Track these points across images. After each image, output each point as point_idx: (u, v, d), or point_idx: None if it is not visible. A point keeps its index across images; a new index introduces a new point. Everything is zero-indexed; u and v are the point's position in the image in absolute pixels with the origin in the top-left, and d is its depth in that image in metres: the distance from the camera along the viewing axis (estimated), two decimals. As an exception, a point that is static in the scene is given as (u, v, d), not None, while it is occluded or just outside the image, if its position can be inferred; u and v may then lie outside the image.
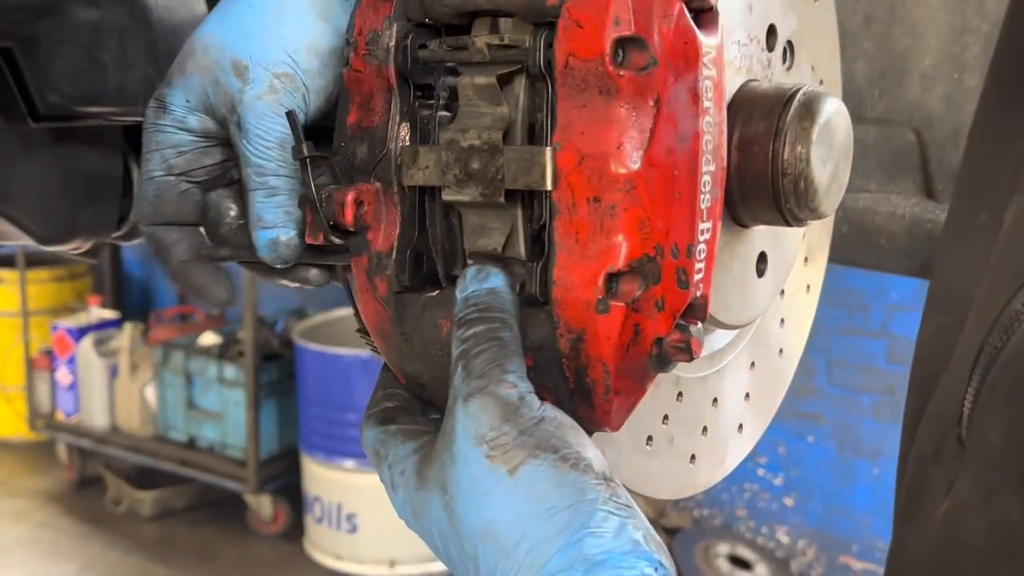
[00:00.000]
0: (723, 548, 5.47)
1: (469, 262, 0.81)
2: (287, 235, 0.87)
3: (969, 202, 0.88)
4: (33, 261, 7.18)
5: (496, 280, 0.79)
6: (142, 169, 0.90)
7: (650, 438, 0.95)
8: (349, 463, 5.54)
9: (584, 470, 0.72)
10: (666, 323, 0.78)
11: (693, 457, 1.01)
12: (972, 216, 0.85)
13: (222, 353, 6.15)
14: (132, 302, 7.97)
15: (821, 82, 1.14)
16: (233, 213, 0.92)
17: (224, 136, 0.90)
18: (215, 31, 0.87)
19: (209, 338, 6.34)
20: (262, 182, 0.86)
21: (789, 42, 1.02)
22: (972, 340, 0.75)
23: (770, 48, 0.99)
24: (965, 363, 0.75)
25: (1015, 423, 0.69)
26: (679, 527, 5.68)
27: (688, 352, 0.78)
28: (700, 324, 0.80)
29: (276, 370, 6.10)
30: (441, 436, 0.76)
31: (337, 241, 0.83)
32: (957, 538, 0.73)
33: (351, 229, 0.82)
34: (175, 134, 0.89)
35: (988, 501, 0.70)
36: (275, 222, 0.87)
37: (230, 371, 6.04)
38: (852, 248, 1.60)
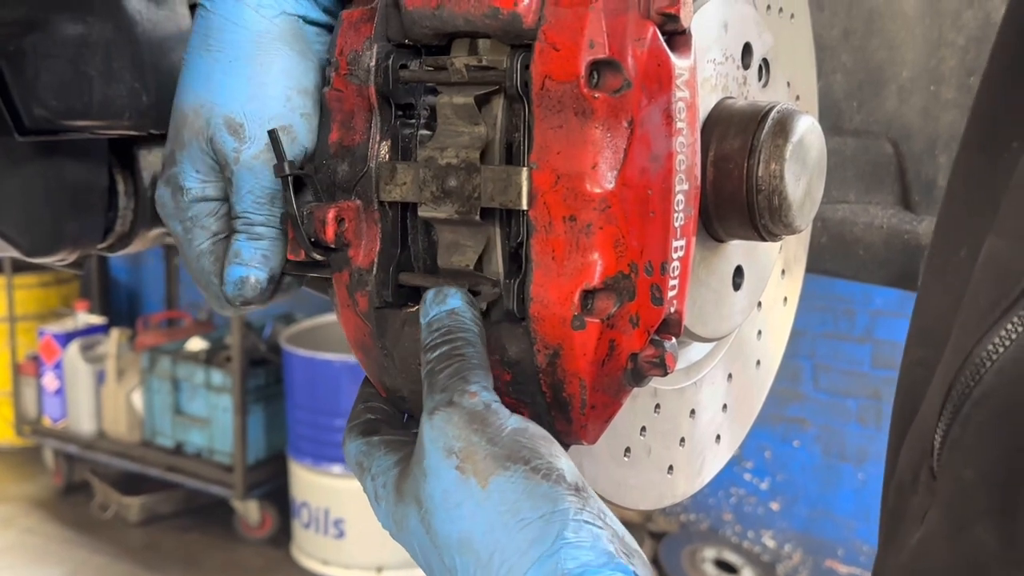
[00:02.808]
0: (710, 552, 5.49)
1: (430, 287, 0.83)
2: (257, 276, 0.89)
3: (950, 239, 0.90)
4: (20, 266, 7.15)
5: (454, 300, 0.80)
6: (188, 250, 0.90)
7: (628, 449, 0.97)
8: (336, 468, 5.54)
9: (556, 481, 0.72)
10: (641, 339, 0.79)
11: (671, 468, 1.03)
12: (952, 253, 0.87)
13: (209, 358, 6.14)
14: (119, 307, 7.95)
15: (797, 98, 1.16)
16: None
17: None
18: (201, 93, 0.87)
19: (196, 343, 6.33)
20: (247, 229, 0.88)
21: (765, 59, 1.03)
22: (944, 376, 0.77)
23: (746, 66, 1.01)
24: (937, 398, 0.77)
25: (989, 459, 0.71)
26: (666, 531, 5.69)
27: (662, 367, 0.80)
28: (674, 339, 0.82)
29: (263, 375, 6.10)
30: (414, 451, 0.77)
31: (318, 257, 0.84)
32: (928, 567, 0.75)
33: (332, 245, 0.84)
34: (202, 206, 0.90)
35: (960, 532, 0.71)
36: (250, 261, 0.89)
37: (217, 376, 6.03)
38: (831, 258, 1.62)
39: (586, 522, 0.70)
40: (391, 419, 0.89)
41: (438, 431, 0.75)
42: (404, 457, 0.81)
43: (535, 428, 0.77)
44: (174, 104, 0.90)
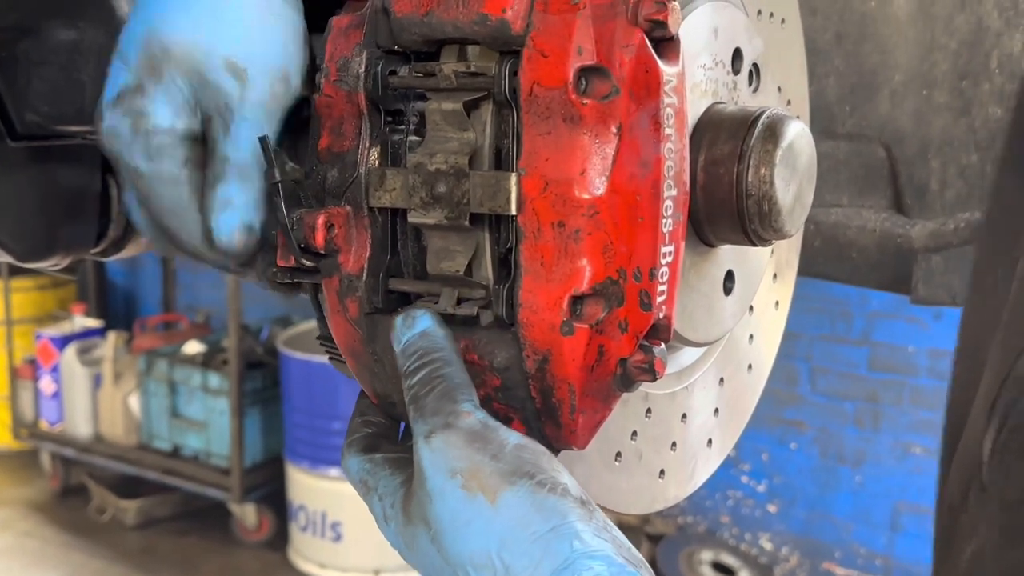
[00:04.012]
0: (707, 555, 5.49)
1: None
2: (253, 222, 0.86)
3: (991, 260, 0.91)
4: (16, 270, 7.15)
5: (424, 322, 0.80)
6: (156, 182, 0.86)
7: (619, 454, 0.97)
8: (334, 471, 5.54)
9: (562, 494, 0.73)
10: (630, 344, 0.80)
11: (662, 473, 1.03)
12: (993, 274, 0.87)
13: (206, 362, 6.15)
14: (116, 310, 7.95)
15: (789, 103, 1.16)
16: None
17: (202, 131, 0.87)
18: (194, 30, 0.83)
19: (193, 347, 6.34)
20: (242, 175, 0.85)
21: (755, 64, 1.03)
22: (987, 394, 0.77)
23: (736, 71, 1.01)
24: (982, 415, 0.77)
25: None
26: (663, 534, 5.70)
27: (651, 373, 0.80)
28: (664, 344, 0.82)
29: (260, 378, 6.10)
30: (415, 474, 0.77)
31: (308, 264, 0.84)
32: None
33: (322, 251, 0.84)
34: (170, 137, 0.85)
35: (1009, 546, 0.72)
36: (245, 206, 0.85)
37: (214, 380, 6.03)
38: (824, 262, 1.62)
39: (595, 534, 0.71)
40: (389, 433, 0.89)
41: (439, 453, 0.75)
42: (409, 477, 0.80)
43: (535, 444, 0.77)
44: (143, 33, 0.84)
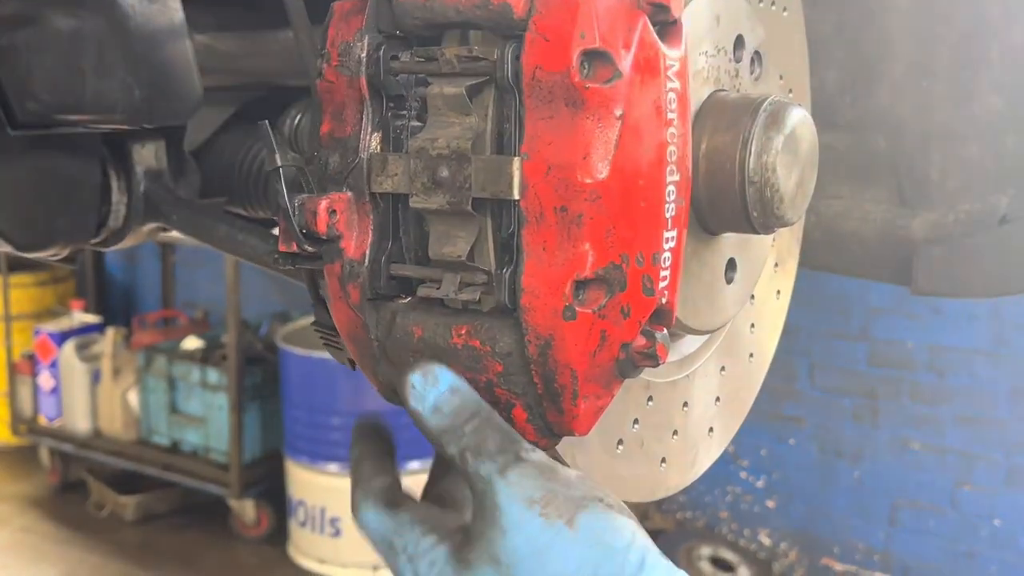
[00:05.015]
0: (706, 550, 5.49)
1: (411, 369, 0.82)
2: None
3: None
4: (15, 265, 7.14)
5: (446, 377, 0.81)
6: None
7: (620, 441, 0.96)
8: (333, 467, 5.54)
9: (629, 515, 0.77)
10: (632, 329, 0.79)
11: (663, 460, 1.03)
12: None
13: (205, 357, 6.14)
14: (115, 306, 7.94)
15: (790, 91, 1.16)
16: None
17: None
18: None
19: (192, 342, 6.33)
20: None
21: (757, 52, 1.03)
22: None
23: (738, 59, 1.01)
24: None
25: None
26: (662, 529, 5.70)
27: (654, 358, 0.80)
28: (666, 330, 0.82)
29: (259, 374, 6.08)
30: (479, 516, 0.78)
31: (310, 249, 0.84)
32: None
33: (324, 237, 0.84)
34: None
35: None
36: None
37: (213, 375, 6.02)
38: (824, 253, 1.62)
39: (659, 553, 0.76)
40: (395, 472, 0.89)
41: (515, 486, 0.77)
42: (448, 533, 0.81)
43: (590, 478, 0.81)
44: None
